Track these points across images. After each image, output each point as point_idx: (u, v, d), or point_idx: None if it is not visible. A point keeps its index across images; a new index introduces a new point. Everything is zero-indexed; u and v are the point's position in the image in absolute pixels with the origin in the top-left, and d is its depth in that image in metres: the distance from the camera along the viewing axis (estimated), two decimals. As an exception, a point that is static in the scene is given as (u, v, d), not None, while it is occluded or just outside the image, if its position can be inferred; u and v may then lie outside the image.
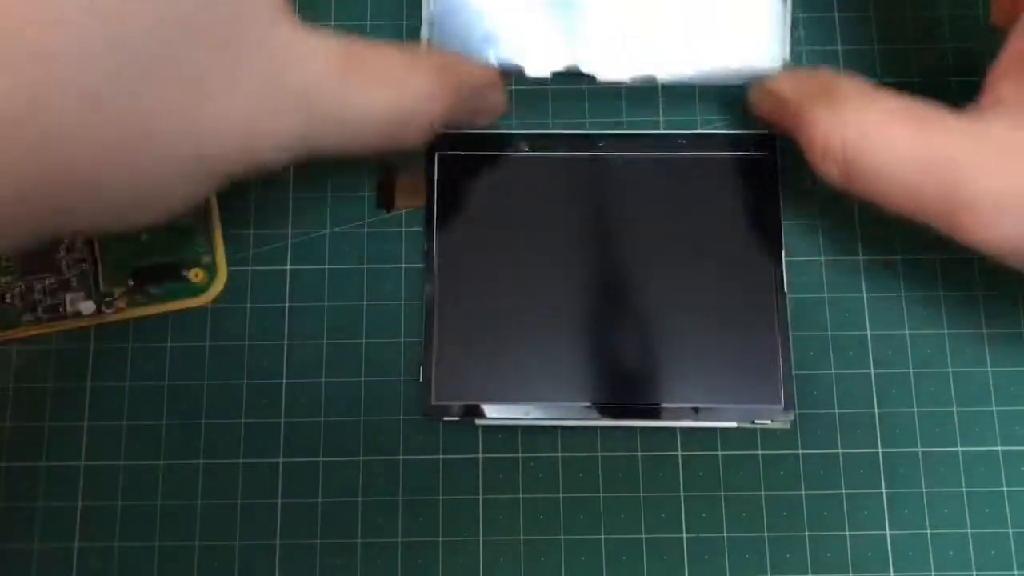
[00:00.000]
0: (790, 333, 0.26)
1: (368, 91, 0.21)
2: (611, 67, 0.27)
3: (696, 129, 0.28)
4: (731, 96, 0.28)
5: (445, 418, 0.26)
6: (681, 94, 0.29)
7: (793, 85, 0.25)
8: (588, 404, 0.26)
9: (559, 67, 0.27)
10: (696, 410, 0.25)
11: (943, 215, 0.22)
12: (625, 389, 0.26)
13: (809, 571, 0.25)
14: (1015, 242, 0.21)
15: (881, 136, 0.22)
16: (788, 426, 0.26)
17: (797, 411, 0.26)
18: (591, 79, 0.27)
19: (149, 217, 0.20)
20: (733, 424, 0.26)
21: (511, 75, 0.27)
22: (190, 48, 0.18)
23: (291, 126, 0.20)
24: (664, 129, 0.28)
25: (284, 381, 0.27)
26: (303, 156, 0.21)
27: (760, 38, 0.28)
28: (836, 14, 0.29)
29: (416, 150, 0.28)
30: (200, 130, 0.19)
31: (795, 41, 0.29)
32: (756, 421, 0.25)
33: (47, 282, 0.27)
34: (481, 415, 0.26)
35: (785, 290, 0.26)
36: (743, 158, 0.27)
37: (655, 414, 0.26)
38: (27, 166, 0.17)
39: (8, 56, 0.16)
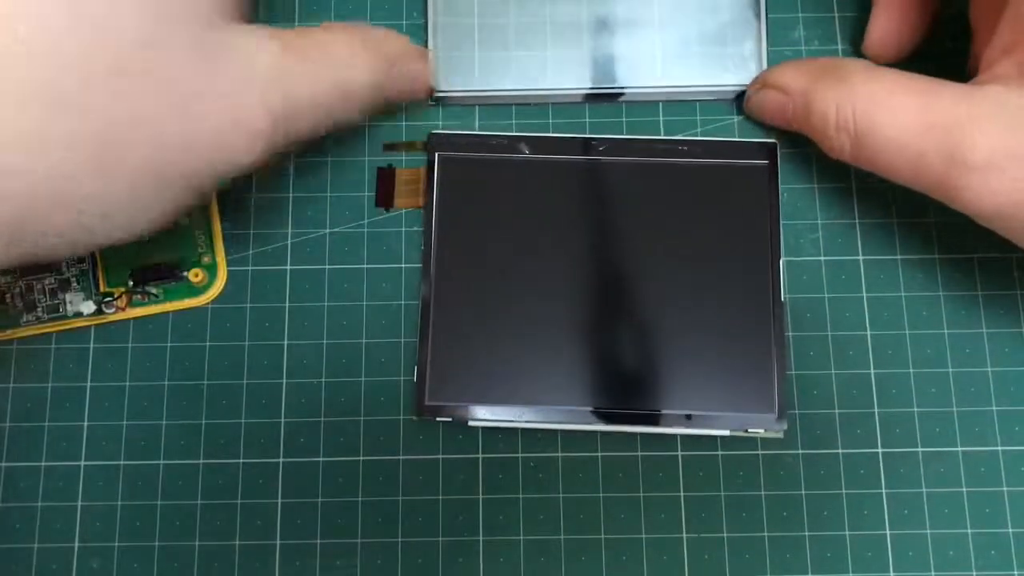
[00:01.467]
0: (788, 343, 0.26)
1: (308, 70, 0.22)
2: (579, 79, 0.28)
3: (697, 135, 0.28)
4: (729, 104, 0.28)
5: (438, 418, 0.26)
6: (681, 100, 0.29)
7: (797, 72, 0.26)
8: (582, 408, 0.26)
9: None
10: (689, 416, 0.25)
11: (942, 177, 0.22)
12: (620, 394, 0.26)
13: (809, 571, 0.25)
14: (1006, 200, 0.22)
15: (889, 104, 0.23)
16: (781, 435, 0.26)
17: (797, 411, 0.26)
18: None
19: (129, 231, 0.20)
20: (726, 432, 0.26)
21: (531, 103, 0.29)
22: (161, 50, 0.19)
23: (257, 116, 0.21)
24: (664, 135, 0.28)
25: (284, 381, 0.27)
26: (279, 144, 0.22)
27: (737, 56, 0.28)
28: (836, 14, 0.29)
29: (416, 147, 0.28)
30: (178, 131, 0.19)
31: (795, 41, 0.29)
32: (749, 429, 0.25)
33: (47, 282, 0.27)
34: (474, 416, 0.26)
35: (783, 299, 0.26)
36: (744, 166, 0.27)
37: (649, 420, 0.26)
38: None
39: None
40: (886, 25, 0.27)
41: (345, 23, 0.27)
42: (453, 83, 0.28)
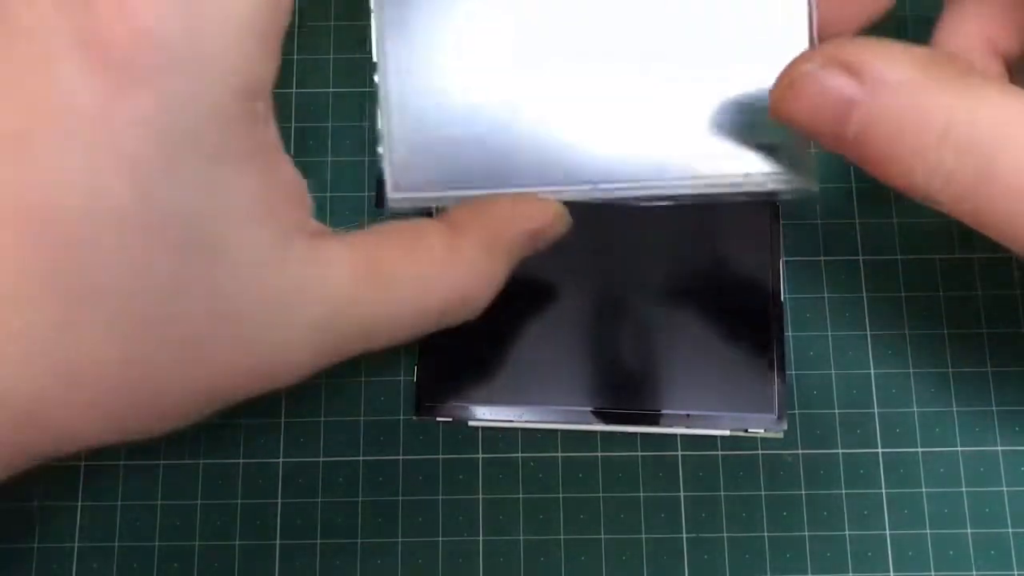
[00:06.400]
0: (788, 343, 0.26)
1: (396, 297, 0.18)
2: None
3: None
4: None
5: (438, 418, 0.26)
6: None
7: (899, 53, 0.18)
8: (582, 408, 0.26)
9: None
10: (689, 416, 0.25)
11: None
12: (620, 394, 0.26)
13: (809, 571, 0.25)
14: None
15: None
16: (781, 435, 0.26)
17: (797, 411, 0.26)
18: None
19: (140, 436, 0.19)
20: (726, 432, 0.26)
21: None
22: (191, 300, 0.16)
23: (306, 356, 0.18)
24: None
25: (284, 381, 0.27)
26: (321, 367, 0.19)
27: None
28: (836, 14, 0.29)
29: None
30: (206, 375, 0.17)
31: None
32: (749, 429, 0.25)
33: (47, 282, 0.27)
34: (474, 416, 0.26)
35: (782, 299, 0.26)
36: None
37: (649, 420, 0.26)
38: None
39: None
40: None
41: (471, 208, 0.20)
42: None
